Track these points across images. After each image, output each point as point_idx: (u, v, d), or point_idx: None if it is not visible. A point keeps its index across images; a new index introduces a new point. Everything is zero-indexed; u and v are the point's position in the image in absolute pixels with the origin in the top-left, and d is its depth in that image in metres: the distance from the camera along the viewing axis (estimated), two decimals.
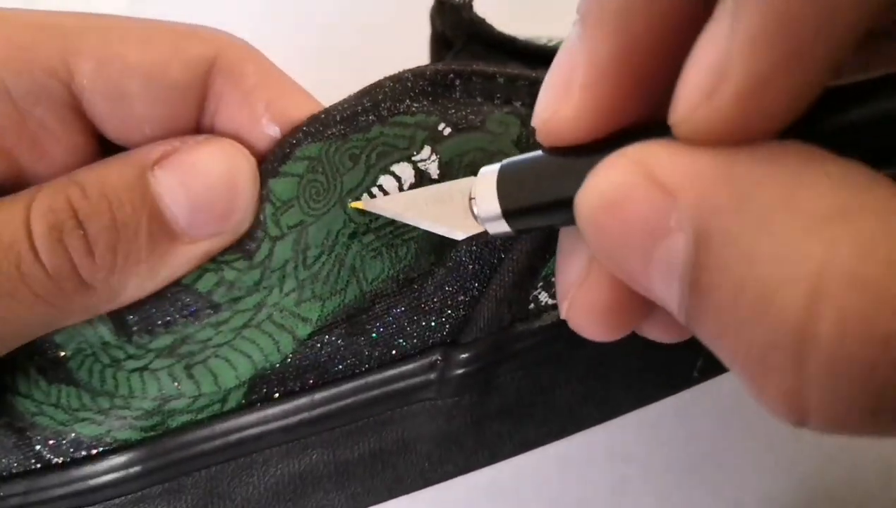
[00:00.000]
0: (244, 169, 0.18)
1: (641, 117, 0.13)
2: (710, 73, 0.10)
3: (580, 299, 0.15)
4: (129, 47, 0.18)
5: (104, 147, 0.19)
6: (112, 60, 0.18)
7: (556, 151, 0.14)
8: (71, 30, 0.18)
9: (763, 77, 0.10)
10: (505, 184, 0.15)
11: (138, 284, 0.18)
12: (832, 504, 0.30)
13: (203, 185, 0.18)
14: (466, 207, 0.16)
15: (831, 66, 0.10)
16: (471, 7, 0.23)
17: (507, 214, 0.15)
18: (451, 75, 0.19)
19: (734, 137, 0.11)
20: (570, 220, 0.14)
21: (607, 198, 0.12)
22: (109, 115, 0.18)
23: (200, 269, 0.19)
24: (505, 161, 0.15)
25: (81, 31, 0.18)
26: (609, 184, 0.12)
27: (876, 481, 0.31)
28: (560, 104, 0.13)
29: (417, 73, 0.19)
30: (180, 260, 0.18)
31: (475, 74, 0.20)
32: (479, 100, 0.20)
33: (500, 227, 0.15)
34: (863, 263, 0.09)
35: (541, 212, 0.15)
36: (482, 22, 0.23)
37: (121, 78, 0.18)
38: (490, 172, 0.15)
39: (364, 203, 0.18)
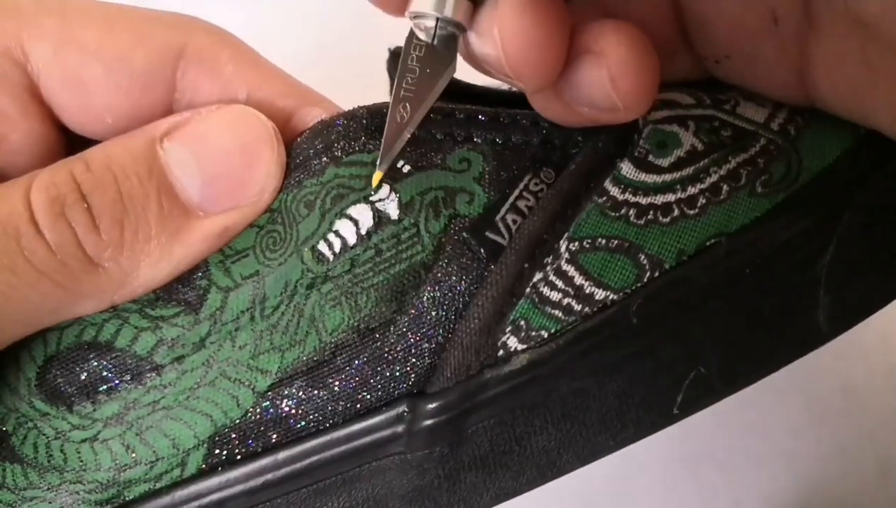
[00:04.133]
0: (261, 135, 0.17)
1: None
2: None
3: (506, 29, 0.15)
4: (88, 31, 0.17)
5: (72, 139, 0.19)
6: (70, 45, 0.17)
7: None
8: (27, 11, 0.17)
9: None
10: None
11: (152, 265, 0.17)
12: (829, 502, 0.30)
13: (215, 155, 0.17)
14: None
15: None
16: None
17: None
18: None
19: None
20: None
21: None
22: (68, 102, 0.18)
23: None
24: None
25: (38, 13, 0.17)
26: None
27: (873, 479, 0.30)
28: None
29: (373, 110, 0.19)
30: (195, 237, 0.17)
31: (433, 111, 0.19)
32: (438, 137, 0.19)
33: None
34: None
35: None
36: None
37: (79, 63, 0.17)
38: None
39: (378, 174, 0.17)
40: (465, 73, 0.22)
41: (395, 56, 0.22)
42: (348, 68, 0.34)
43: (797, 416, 0.31)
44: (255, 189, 0.17)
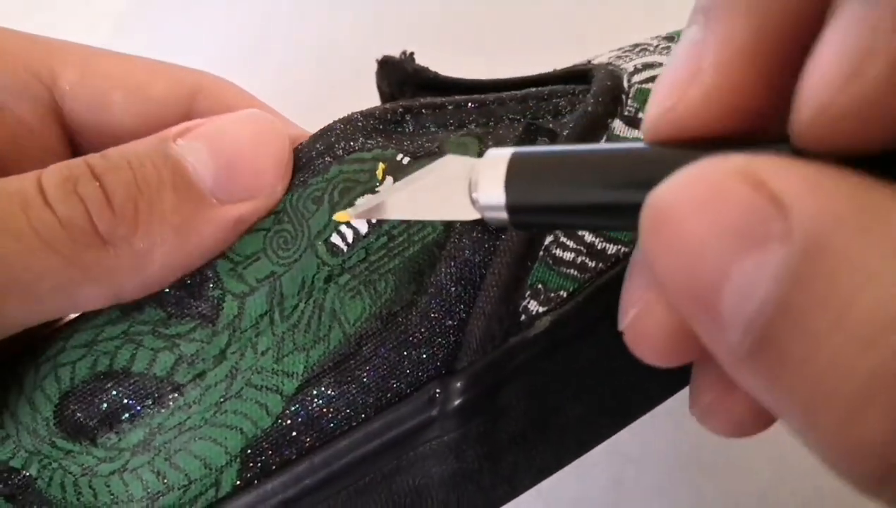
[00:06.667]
0: (273, 127, 0.18)
1: (763, 120, 0.12)
2: (851, 54, 0.09)
3: (643, 317, 0.13)
4: (111, 63, 0.20)
5: None
6: (95, 72, 0.19)
7: (660, 144, 0.12)
8: (57, 44, 0.20)
9: None
10: (515, 175, 0.13)
11: (166, 253, 0.17)
12: (830, 501, 0.30)
13: (228, 144, 0.18)
14: (465, 191, 0.14)
15: None
16: (412, 59, 0.23)
17: (513, 209, 0.14)
18: (401, 110, 0.19)
19: (879, 133, 0.09)
20: (590, 223, 0.15)
21: (699, 196, 0.10)
22: (90, 124, 0.20)
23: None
24: (517, 149, 0.14)
25: (67, 46, 0.20)
26: (706, 181, 0.10)
27: None
28: (686, 88, 0.12)
29: (367, 113, 0.19)
30: (210, 226, 0.17)
31: (424, 107, 0.20)
32: (432, 129, 0.19)
33: (499, 217, 0.14)
34: None
35: (557, 212, 0.13)
36: (426, 70, 0.23)
37: (103, 87, 0.19)
38: (498, 158, 0.14)
39: (350, 212, 0.17)
40: (458, 70, 0.23)
41: (383, 66, 0.23)
42: (345, 78, 0.36)
43: None
44: (268, 179, 0.18)
